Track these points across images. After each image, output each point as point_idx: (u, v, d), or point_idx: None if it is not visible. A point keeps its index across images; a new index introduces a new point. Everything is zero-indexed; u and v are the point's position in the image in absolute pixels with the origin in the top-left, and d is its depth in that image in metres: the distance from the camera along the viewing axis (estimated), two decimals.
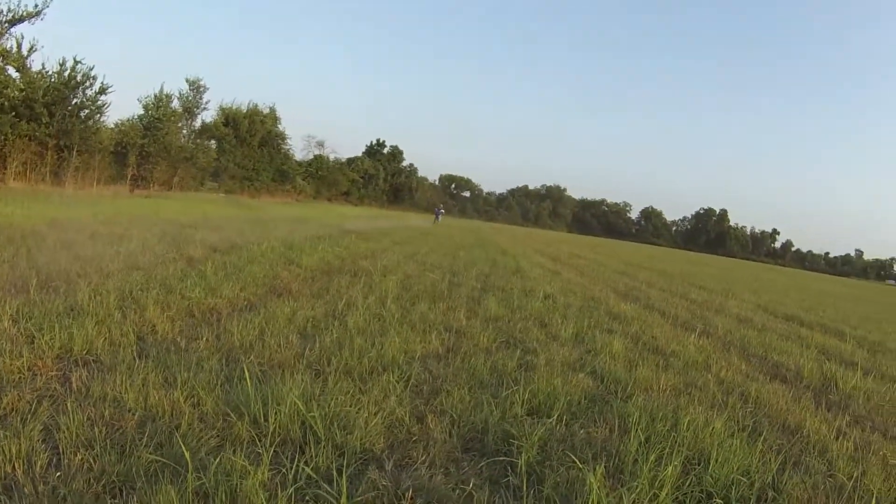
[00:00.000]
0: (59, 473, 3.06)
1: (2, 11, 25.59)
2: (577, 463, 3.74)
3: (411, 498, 3.27)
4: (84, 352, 4.83)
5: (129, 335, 5.34)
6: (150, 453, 3.29)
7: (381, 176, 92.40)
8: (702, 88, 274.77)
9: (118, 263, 8.66)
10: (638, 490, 3.47)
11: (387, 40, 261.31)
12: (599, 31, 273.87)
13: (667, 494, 3.50)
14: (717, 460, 4.05)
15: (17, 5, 26.02)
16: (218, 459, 3.26)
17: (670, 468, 3.68)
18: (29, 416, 3.57)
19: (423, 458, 3.80)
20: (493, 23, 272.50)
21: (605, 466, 3.74)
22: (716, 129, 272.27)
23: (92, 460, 3.21)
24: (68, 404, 3.78)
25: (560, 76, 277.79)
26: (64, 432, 3.43)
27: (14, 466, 3.08)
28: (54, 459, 3.23)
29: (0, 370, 4.21)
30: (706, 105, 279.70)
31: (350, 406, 4.23)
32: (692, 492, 3.69)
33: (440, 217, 64.49)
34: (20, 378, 4.20)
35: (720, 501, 3.66)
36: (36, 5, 26.36)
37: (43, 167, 27.09)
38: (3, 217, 13.40)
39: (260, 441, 3.64)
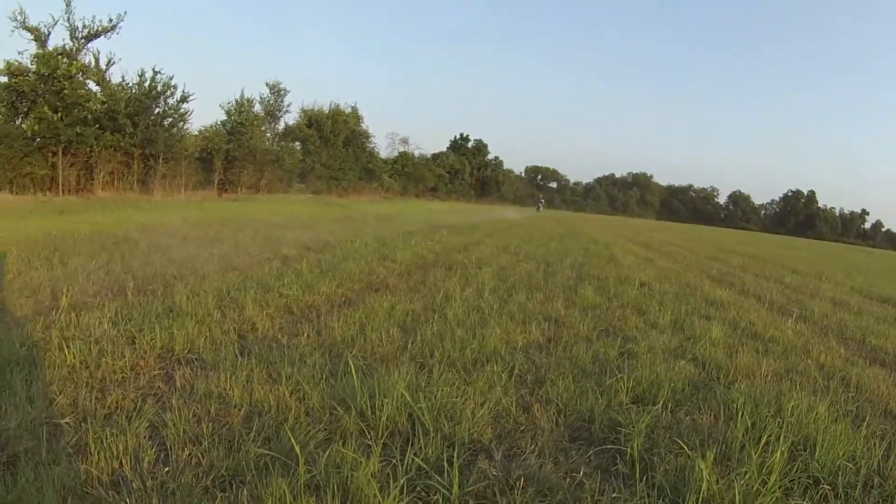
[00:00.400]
0: (167, 469, 3.15)
1: (78, 28, 27.11)
2: (686, 449, 3.77)
3: (522, 487, 3.31)
4: (185, 350, 5.02)
5: (229, 333, 5.55)
6: (259, 447, 3.35)
7: (466, 170, 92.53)
8: (782, 72, 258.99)
9: (213, 265, 9.01)
10: (747, 476, 3.51)
11: (462, 38, 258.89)
12: (687, 19, 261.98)
13: (775, 481, 3.50)
14: (822, 446, 4.07)
15: (92, 21, 27.52)
16: (327, 452, 3.30)
17: (777, 454, 3.72)
18: (134, 414, 3.70)
19: (532, 447, 3.89)
20: (568, 12, 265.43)
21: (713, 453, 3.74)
22: (801, 110, 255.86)
23: (200, 455, 3.30)
24: (173, 401, 3.91)
25: (642, 65, 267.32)
26: (170, 428, 3.54)
27: (121, 462, 3.18)
28: (161, 455, 3.33)
29: (104, 370, 4.40)
30: (790, 88, 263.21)
31: (456, 397, 4.31)
32: (799, 478, 3.72)
33: (541, 208, 70.26)
34: (123, 377, 4.38)
35: (827, 487, 3.67)
36: (110, 20, 27.83)
37: (130, 176, 28.55)
38: (94, 225, 14.21)
39: (368, 433, 3.70)
